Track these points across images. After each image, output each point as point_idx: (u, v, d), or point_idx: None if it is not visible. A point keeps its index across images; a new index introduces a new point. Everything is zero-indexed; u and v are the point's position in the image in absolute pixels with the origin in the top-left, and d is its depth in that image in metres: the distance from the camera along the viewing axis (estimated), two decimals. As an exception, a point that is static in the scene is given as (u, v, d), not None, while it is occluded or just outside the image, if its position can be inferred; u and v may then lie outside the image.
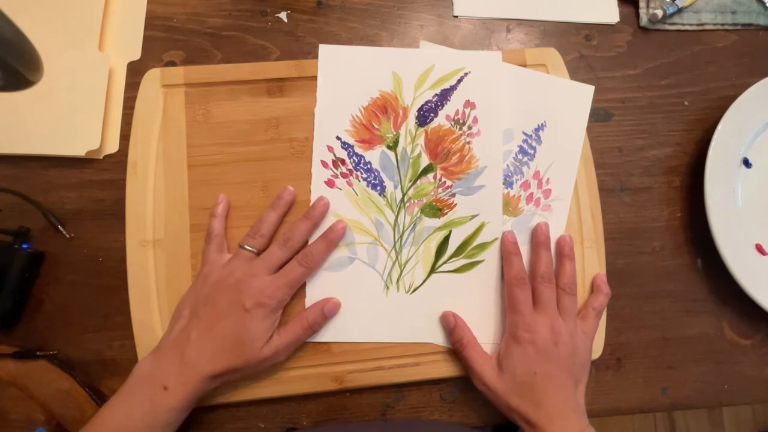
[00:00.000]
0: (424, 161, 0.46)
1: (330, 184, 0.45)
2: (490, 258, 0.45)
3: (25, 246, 0.43)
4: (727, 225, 0.47)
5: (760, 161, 0.50)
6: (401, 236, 0.45)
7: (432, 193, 0.46)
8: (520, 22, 0.52)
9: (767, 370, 0.48)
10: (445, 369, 0.44)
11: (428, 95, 0.47)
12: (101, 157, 0.47)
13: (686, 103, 0.52)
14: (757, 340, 0.48)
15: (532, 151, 0.48)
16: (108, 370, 0.43)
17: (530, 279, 0.43)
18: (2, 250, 0.42)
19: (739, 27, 0.54)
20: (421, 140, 0.47)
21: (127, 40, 0.49)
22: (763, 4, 0.54)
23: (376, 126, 0.46)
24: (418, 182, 0.46)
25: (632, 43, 0.53)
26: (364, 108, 0.47)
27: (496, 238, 0.45)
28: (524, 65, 0.49)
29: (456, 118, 0.47)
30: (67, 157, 0.46)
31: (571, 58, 0.51)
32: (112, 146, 0.47)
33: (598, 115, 0.51)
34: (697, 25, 0.54)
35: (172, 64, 0.49)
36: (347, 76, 0.47)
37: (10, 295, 0.42)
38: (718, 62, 0.53)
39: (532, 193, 0.47)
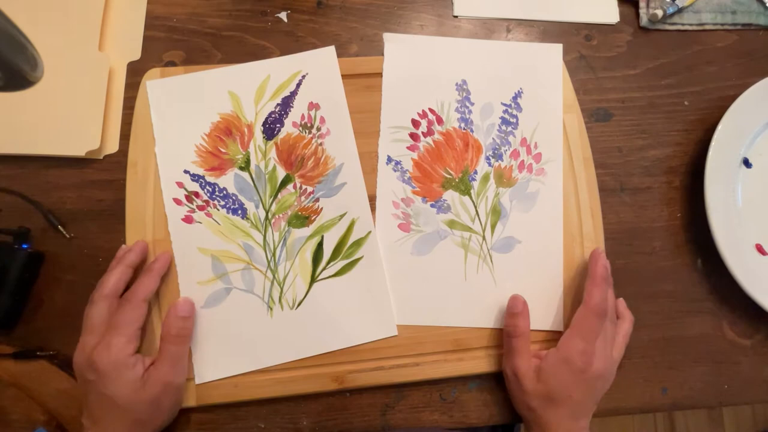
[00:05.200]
0: (281, 174, 0.46)
1: (188, 220, 0.44)
2: (369, 253, 0.45)
3: (25, 246, 0.43)
4: (727, 225, 0.47)
5: (760, 161, 0.50)
6: (273, 254, 0.44)
7: (295, 203, 0.45)
8: (520, 22, 0.52)
9: (767, 370, 0.48)
10: (445, 369, 0.44)
11: (270, 106, 0.47)
12: (101, 157, 0.47)
13: (686, 103, 0.52)
14: (757, 340, 0.48)
15: (514, 120, 0.48)
16: (108, 370, 0.43)
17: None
18: (2, 250, 0.42)
19: (739, 27, 0.54)
20: (272, 153, 0.46)
21: (127, 40, 0.49)
22: (763, 4, 0.54)
23: (223, 150, 0.46)
24: (279, 196, 0.45)
25: (632, 43, 0.53)
26: (207, 135, 0.46)
27: (370, 232, 0.45)
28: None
29: (303, 122, 0.47)
30: (67, 157, 0.46)
31: (571, 58, 0.51)
32: (112, 146, 0.47)
33: (598, 115, 0.51)
34: (697, 25, 0.54)
35: (172, 64, 0.49)
36: (182, 107, 0.46)
37: (10, 295, 0.42)
38: (718, 62, 0.53)
39: (523, 161, 0.47)
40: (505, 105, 0.48)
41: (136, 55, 0.49)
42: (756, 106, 0.49)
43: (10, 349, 0.42)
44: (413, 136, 0.47)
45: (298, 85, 0.47)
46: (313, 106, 0.47)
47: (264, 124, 0.46)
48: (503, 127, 0.48)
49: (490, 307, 0.45)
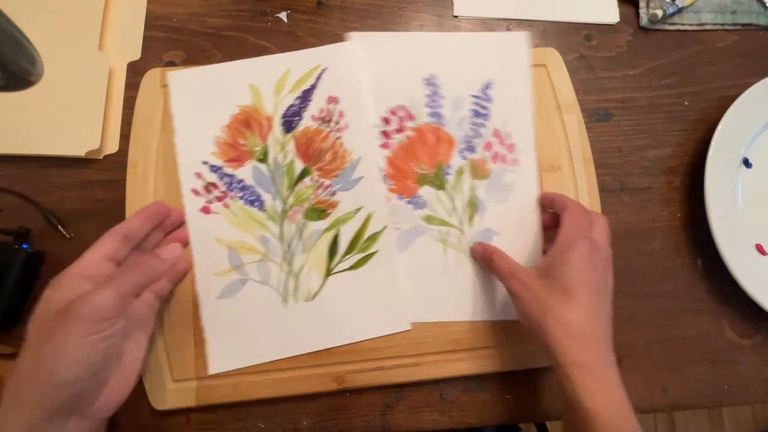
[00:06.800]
0: (299, 166, 0.46)
1: (206, 210, 0.44)
2: (384, 248, 0.45)
3: (25, 246, 0.43)
4: (727, 225, 0.47)
5: (760, 161, 0.50)
6: (289, 246, 0.44)
7: (312, 196, 0.45)
8: (520, 22, 0.53)
9: (767, 370, 0.48)
10: (445, 369, 0.44)
11: (290, 100, 0.47)
12: (101, 157, 0.47)
13: (686, 103, 0.52)
14: (757, 340, 0.48)
15: (485, 112, 0.48)
16: (108, 370, 0.43)
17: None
18: (2, 250, 0.42)
19: (739, 27, 0.54)
20: (291, 146, 0.46)
21: (127, 40, 0.49)
22: (763, 4, 0.54)
23: (242, 142, 0.46)
24: (296, 188, 0.45)
25: (632, 43, 0.53)
26: (227, 126, 0.46)
27: (386, 226, 0.45)
28: (524, 65, 0.50)
29: (322, 116, 0.47)
30: (67, 157, 0.46)
31: (571, 58, 0.51)
32: (112, 146, 0.47)
33: (598, 115, 0.51)
34: (697, 25, 0.54)
35: (172, 64, 0.49)
36: (202, 99, 0.46)
37: (10, 295, 0.42)
38: (718, 62, 0.53)
39: (496, 152, 0.47)
40: (475, 97, 0.48)
41: (136, 55, 0.49)
42: (756, 106, 0.49)
43: (10, 349, 0.42)
44: (385, 134, 0.47)
45: (318, 78, 0.47)
46: (332, 100, 0.47)
47: (283, 117, 0.46)
48: (475, 119, 0.48)
49: (472, 300, 0.45)
